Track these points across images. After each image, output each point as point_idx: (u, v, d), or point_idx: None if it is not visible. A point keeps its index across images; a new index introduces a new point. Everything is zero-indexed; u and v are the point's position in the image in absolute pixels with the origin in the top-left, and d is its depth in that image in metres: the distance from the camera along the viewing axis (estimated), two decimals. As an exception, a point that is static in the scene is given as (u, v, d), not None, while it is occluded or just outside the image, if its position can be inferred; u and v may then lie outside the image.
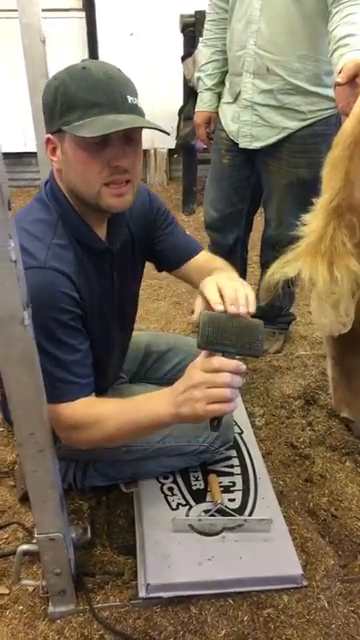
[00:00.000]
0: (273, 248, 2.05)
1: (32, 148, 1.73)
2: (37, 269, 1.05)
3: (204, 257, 1.43)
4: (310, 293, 1.35)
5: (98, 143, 1.02)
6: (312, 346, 2.28)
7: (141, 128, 1.06)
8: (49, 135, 1.08)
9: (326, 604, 1.33)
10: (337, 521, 1.53)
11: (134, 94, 1.06)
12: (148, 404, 1.06)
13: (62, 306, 1.08)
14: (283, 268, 1.29)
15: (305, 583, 1.35)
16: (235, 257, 2.19)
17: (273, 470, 1.68)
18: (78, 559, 1.35)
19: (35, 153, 1.62)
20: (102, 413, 1.10)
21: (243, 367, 0.95)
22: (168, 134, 1.12)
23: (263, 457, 1.65)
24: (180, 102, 3.38)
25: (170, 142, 3.54)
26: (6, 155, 0.76)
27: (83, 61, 1.09)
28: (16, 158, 3.67)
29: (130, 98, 1.04)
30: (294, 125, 1.76)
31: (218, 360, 0.94)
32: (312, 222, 1.28)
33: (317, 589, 1.35)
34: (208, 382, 0.94)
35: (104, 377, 1.34)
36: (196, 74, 2.07)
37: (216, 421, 1.00)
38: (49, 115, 1.07)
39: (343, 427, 1.83)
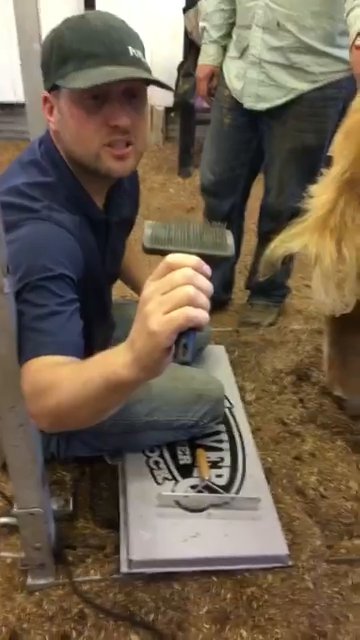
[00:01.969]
0: (272, 218, 1.97)
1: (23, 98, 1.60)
2: (38, 220, 0.96)
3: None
4: (313, 269, 1.28)
5: (96, 99, 0.93)
6: (307, 321, 2.22)
7: (142, 82, 0.95)
8: (46, 93, 0.99)
9: (311, 585, 1.31)
10: (325, 501, 1.50)
11: (138, 47, 0.96)
12: (104, 359, 0.74)
13: (59, 258, 0.96)
14: (287, 242, 1.22)
15: (291, 563, 1.33)
16: (231, 224, 2.10)
17: (262, 447, 1.64)
18: (59, 531, 1.31)
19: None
20: (59, 375, 0.83)
21: (207, 268, 0.64)
22: (172, 89, 1.02)
23: (252, 433, 1.61)
24: (180, 58, 3.22)
25: (168, 99, 3.40)
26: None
27: (85, 12, 0.98)
28: (6, 109, 3.50)
29: (132, 50, 0.94)
30: (303, 87, 1.65)
31: (172, 256, 0.64)
32: (321, 194, 1.20)
33: (302, 569, 1.33)
34: (161, 287, 0.63)
35: (91, 346, 1.28)
36: (201, 24, 1.94)
37: (183, 341, 0.63)
38: (45, 70, 0.98)
39: (335, 405, 1.79)
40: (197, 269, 0.63)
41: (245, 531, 1.33)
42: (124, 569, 1.25)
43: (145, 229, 0.72)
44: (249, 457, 1.51)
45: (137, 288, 1.56)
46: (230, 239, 0.73)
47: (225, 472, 1.46)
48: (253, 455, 1.52)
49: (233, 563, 1.31)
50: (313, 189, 1.27)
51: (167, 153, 3.74)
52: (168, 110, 3.72)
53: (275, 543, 1.33)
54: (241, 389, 1.82)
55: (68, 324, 0.95)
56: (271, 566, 1.32)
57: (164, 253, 0.66)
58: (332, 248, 1.19)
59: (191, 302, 0.61)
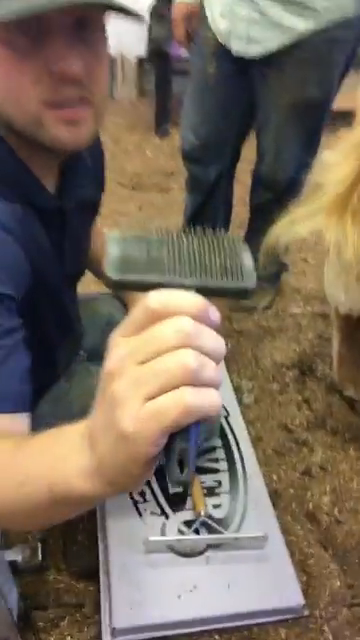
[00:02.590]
0: (267, 188, 1.69)
1: None
2: None
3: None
4: (327, 259, 1.02)
5: (31, 37, 0.62)
6: (306, 301, 1.96)
7: (97, 6, 0.65)
8: None
9: (330, 636, 1.11)
10: (341, 527, 1.29)
11: None
12: (52, 450, 0.47)
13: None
14: (294, 226, 0.95)
15: (306, 613, 1.11)
16: (218, 196, 1.82)
17: (265, 461, 1.41)
18: (26, 589, 1.08)
19: None
20: None
21: (215, 315, 0.39)
22: (141, 18, 0.71)
23: (253, 444, 1.37)
24: (153, -2, 2.84)
25: (140, 48, 3.03)
26: None
27: None
28: None
29: None
30: (305, 26, 1.34)
31: (157, 294, 0.38)
32: (338, 166, 0.93)
33: (320, 619, 1.12)
34: (140, 349, 0.37)
35: (54, 367, 1.02)
36: None
37: (180, 446, 0.38)
38: None
39: (345, 405, 1.56)
40: (200, 318, 0.37)
41: (251, 578, 1.10)
42: (107, 639, 1.02)
43: (109, 246, 0.42)
44: (251, 478, 1.28)
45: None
46: (248, 258, 0.44)
47: (224, 500, 1.23)
48: (255, 475, 1.29)
49: (238, 620, 1.09)
50: (328, 157, 0.99)
51: (141, 110, 3.38)
52: (141, 61, 3.34)
53: (288, 591, 1.10)
54: (237, 389, 1.57)
55: (7, 365, 0.67)
56: (284, 618, 1.11)
57: (143, 287, 0.40)
58: (355, 236, 0.92)
59: (191, 379, 0.36)
